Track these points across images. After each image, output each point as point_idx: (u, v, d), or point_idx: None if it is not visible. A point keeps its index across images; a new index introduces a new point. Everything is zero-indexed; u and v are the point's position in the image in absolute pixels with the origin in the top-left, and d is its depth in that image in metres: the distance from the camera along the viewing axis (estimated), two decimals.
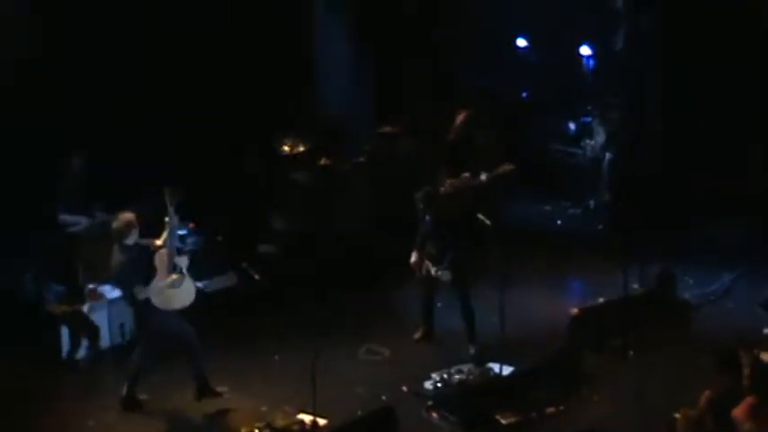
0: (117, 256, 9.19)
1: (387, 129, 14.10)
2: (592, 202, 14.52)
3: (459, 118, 11.45)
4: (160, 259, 9.16)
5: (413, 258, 10.45)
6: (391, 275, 12.25)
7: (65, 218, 11.14)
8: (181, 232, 11.72)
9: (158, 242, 9.24)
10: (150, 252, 9.17)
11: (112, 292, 10.87)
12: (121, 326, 10.79)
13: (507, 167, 11.03)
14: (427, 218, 10.32)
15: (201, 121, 12.74)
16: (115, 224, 9.19)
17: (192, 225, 11.90)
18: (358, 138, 14.31)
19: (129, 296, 9.31)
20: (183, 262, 9.31)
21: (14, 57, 11.47)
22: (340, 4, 14.90)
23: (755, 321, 10.03)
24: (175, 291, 9.20)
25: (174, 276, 9.16)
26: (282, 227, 13.00)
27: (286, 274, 11.88)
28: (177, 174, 12.12)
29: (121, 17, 12.18)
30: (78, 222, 11.15)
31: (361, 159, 13.72)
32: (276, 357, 10.47)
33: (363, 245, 12.75)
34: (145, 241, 9.24)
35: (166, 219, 9.23)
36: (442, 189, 10.66)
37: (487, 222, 10.08)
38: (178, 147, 12.53)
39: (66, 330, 10.49)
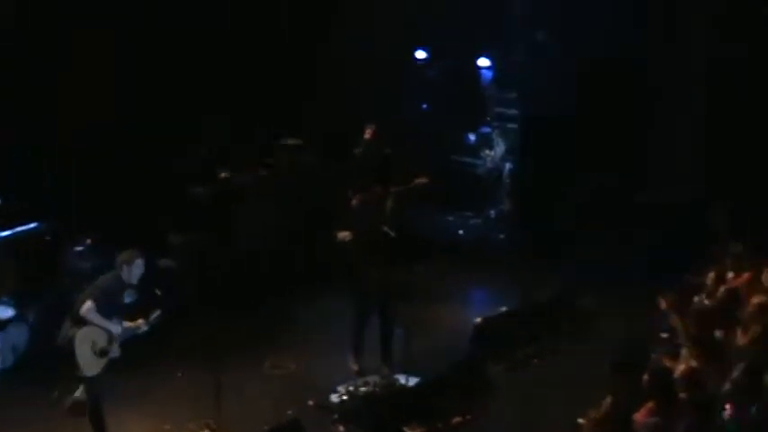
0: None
1: (289, 141, 14.02)
2: (493, 212, 14.69)
3: (368, 133, 11.43)
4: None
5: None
6: (293, 289, 12.20)
7: None
8: (78, 248, 11.49)
9: (132, 323, 8.89)
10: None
11: (6, 313, 10.55)
12: (13, 348, 10.48)
13: (421, 181, 11.06)
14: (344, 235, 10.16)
15: (99, 133, 12.50)
16: (122, 256, 8.82)
17: (89, 241, 11.63)
18: (260, 149, 14.18)
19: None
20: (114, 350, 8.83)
21: None
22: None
23: (654, 327, 10.23)
24: (93, 358, 8.72)
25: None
26: (180, 242, 12.78)
27: (186, 291, 11.68)
28: (71, 184, 11.95)
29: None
30: None
31: (264, 172, 13.59)
32: (180, 374, 10.30)
33: (264, 259, 12.64)
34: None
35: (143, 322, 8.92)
36: (353, 202, 10.61)
37: (392, 234, 10.08)
38: (73, 162, 12.25)
39: None
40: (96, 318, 8.59)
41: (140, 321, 8.94)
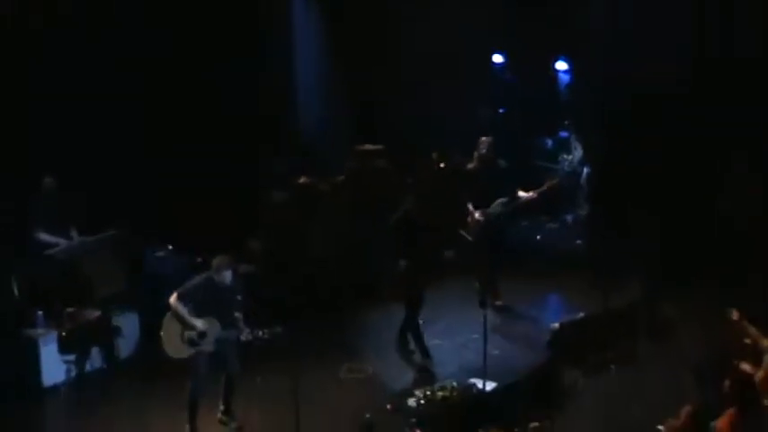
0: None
1: (366, 146, 14.10)
2: (569, 217, 14.57)
3: (483, 144, 11.52)
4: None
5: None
6: (369, 294, 12.25)
7: (45, 237, 11.06)
8: (159, 254, 11.72)
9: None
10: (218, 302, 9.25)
11: (91, 316, 10.82)
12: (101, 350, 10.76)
13: (553, 182, 11.47)
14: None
15: (177, 138, 12.72)
16: (215, 261, 9.26)
17: (170, 247, 11.84)
18: (336, 155, 14.29)
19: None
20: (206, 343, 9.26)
21: None
22: (315, 16, 14.95)
23: (735, 333, 10.05)
24: (180, 343, 9.19)
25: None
26: (258, 247, 12.93)
27: (263, 296, 11.83)
28: (151, 194, 12.17)
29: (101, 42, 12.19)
30: (57, 244, 11.07)
31: (341, 178, 13.68)
32: (258, 380, 10.43)
33: (340, 265, 12.72)
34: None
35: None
36: (477, 217, 10.97)
37: (469, 238, 10.12)
38: (153, 166, 12.48)
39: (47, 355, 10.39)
40: (180, 308, 9.09)
41: (245, 330, 9.30)
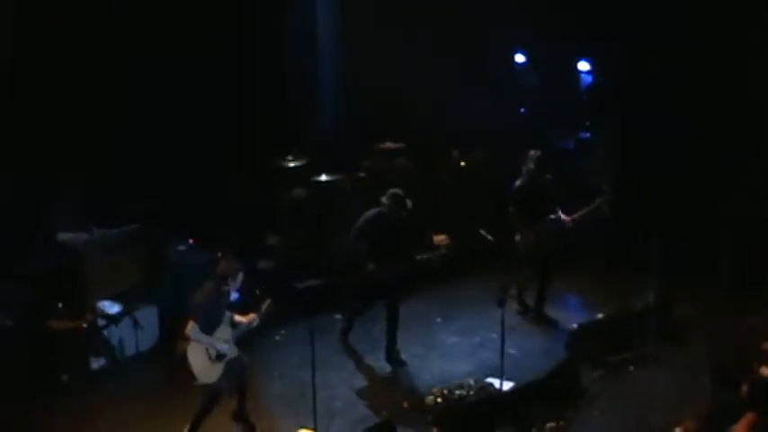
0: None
1: (387, 144, 14.12)
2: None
3: (531, 159, 11.44)
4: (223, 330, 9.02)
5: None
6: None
7: (63, 235, 11.13)
8: (181, 247, 11.77)
9: (244, 319, 9.17)
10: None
11: (111, 308, 10.91)
12: (120, 342, 10.83)
13: (605, 197, 11.45)
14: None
15: (199, 135, 12.76)
16: (221, 267, 9.04)
17: (191, 241, 11.91)
18: (357, 152, 14.31)
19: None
20: (231, 351, 9.04)
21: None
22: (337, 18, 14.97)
23: (753, 337, 10.01)
24: (210, 365, 8.95)
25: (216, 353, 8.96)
26: (279, 242, 12.98)
27: (284, 290, 11.88)
28: (171, 188, 12.22)
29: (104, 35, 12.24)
30: (76, 237, 11.13)
31: (361, 175, 13.71)
32: (276, 374, 10.48)
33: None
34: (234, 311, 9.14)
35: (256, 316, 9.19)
36: (529, 237, 11.31)
37: (489, 238, 10.14)
38: (173, 161, 12.52)
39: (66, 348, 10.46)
40: (201, 337, 8.81)
41: (252, 316, 9.18)
